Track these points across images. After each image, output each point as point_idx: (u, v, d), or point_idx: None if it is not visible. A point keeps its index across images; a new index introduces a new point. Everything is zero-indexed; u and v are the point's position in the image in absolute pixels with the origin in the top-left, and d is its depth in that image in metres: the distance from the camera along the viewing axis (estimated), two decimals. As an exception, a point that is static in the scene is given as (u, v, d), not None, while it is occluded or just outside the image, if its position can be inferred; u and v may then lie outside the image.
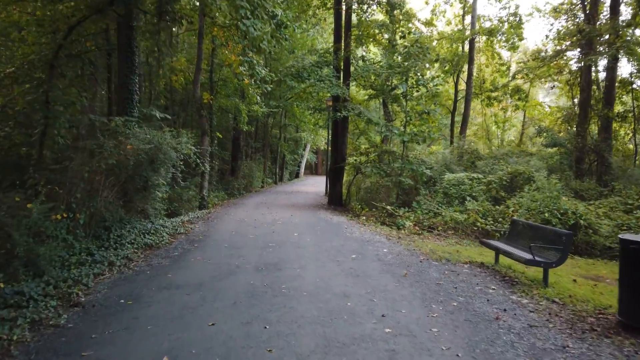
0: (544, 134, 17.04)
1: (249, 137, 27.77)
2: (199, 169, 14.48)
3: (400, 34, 15.20)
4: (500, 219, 11.13)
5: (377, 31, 15.36)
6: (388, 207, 12.80)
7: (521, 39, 23.59)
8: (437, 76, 14.16)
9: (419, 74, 12.75)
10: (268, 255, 7.36)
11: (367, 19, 15.82)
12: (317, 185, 31.13)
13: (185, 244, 8.26)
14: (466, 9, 26.26)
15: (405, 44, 13.31)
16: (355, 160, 16.43)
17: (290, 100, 26.15)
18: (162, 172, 9.82)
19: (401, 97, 13.62)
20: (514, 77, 22.82)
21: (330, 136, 17.26)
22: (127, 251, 7.28)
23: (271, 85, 14.14)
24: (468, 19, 25.84)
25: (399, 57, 13.22)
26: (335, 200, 16.31)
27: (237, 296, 5.09)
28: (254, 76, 13.01)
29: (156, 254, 7.37)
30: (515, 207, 11.34)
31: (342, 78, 15.35)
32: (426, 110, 12.87)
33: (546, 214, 9.99)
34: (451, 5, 27.09)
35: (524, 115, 30.41)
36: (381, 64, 13.61)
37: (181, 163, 11.41)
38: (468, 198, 12.37)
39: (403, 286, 5.68)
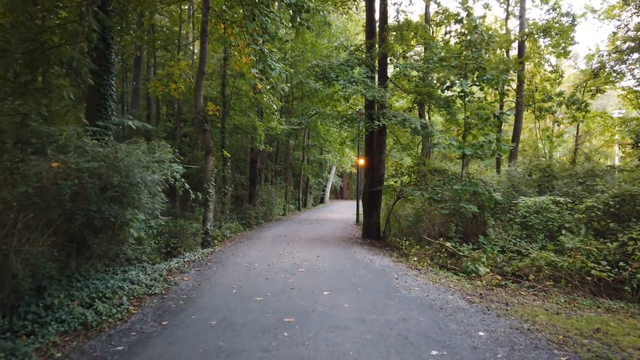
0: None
1: (268, 160, 25.00)
2: (202, 196, 11.64)
3: (453, 20, 12.16)
4: (619, 263, 7.61)
5: (418, 26, 12.32)
6: (448, 244, 9.47)
7: (570, 44, 20.25)
8: (506, 69, 10.87)
9: (482, 66, 9.58)
10: (280, 351, 4.19)
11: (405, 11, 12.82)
12: (344, 211, 27.88)
13: (150, 319, 5.16)
14: (510, 9, 23.19)
15: (462, 31, 10.24)
16: (395, 182, 13.22)
17: (313, 117, 23.38)
18: (135, 202, 6.89)
19: (457, 100, 10.46)
20: (582, 87, 19.21)
21: (363, 152, 14.08)
22: (42, 342, 4.28)
23: (288, 84, 11.23)
24: (510, 23, 22.71)
25: (454, 48, 10.12)
26: (372, 232, 13.05)
27: None
28: (266, 73, 10.18)
29: (85, 349, 4.29)
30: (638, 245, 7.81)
31: (376, 80, 12.38)
32: (496, 114, 9.65)
33: None
34: (489, 9, 24.10)
35: (578, 128, 26.60)
36: (432, 58, 10.57)
37: (178, 187, 8.54)
38: (563, 231, 8.91)
39: None
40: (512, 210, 10.47)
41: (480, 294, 6.72)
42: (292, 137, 26.21)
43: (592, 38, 61.35)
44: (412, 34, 12.10)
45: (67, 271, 6.12)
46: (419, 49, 14.67)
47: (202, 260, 9.42)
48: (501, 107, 22.60)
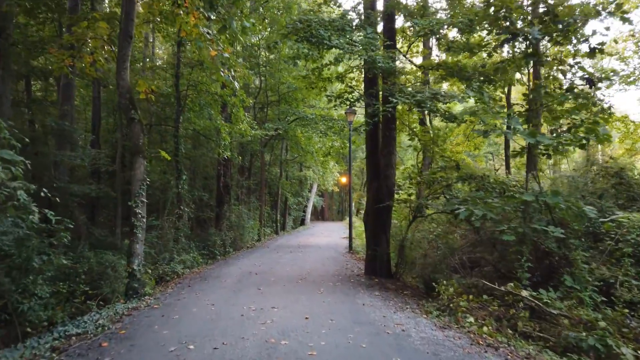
0: None
1: (239, 175, 20.89)
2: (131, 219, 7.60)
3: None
4: None
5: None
6: (524, 293, 5.64)
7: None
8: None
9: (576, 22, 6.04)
10: None
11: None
12: (329, 234, 23.88)
13: None
14: None
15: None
16: (410, 194, 9.44)
17: (292, 124, 19.57)
18: None
19: (513, 65, 6.85)
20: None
21: (365, 154, 10.19)
22: None
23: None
24: None
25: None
26: (380, 267, 9.14)
27: None
28: (227, 31, 6.38)
29: None
30: None
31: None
32: (587, 77, 6.05)
33: None
34: None
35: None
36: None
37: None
38: None
39: None
40: (605, 234, 6.78)
41: None
42: (267, 149, 22.31)
43: None
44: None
45: None
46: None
47: (97, 334, 5.26)
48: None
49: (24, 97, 14.41)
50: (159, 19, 11.32)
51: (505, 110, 6.64)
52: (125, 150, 12.42)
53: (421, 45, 14.08)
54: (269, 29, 18.15)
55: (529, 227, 6.31)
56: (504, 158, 25.90)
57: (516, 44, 6.61)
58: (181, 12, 7.99)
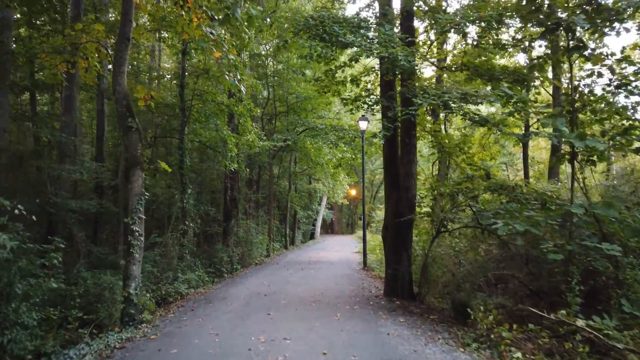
0: None
1: (247, 188, 20.20)
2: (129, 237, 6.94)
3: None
4: None
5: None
6: (580, 323, 4.78)
7: None
8: None
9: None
10: None
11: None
12: (340, 249, 23.04)
13: None
14: None
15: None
16: (431, 208, 8.63)
17: (301, 135, 18.93)
18: None
19: (549, 63, 6.10)
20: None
21: (383, 163, 9.40)
22: None
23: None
24: None
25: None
26: (402, 288, 8.30)
27: None
28: (229, 22, 5.76)
29: None
30: None
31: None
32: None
33: None
34: None
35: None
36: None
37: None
38: None
39: None
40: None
41: None
42: (276, 161, 21.68)
43: None
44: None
45: None
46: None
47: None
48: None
49: (29, 110, 13.98)
50: (161, 25, 10.78)
51: (551, 110, 5.84)
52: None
53: (435, 50, 13.47)
54: (277, 39, 17.72)
55: (577, 244, 5.48)
56: (517, 169, 24.92)
57: (552, 37, 5.86)
58: (183, 12, 7.44)
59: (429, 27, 8.11)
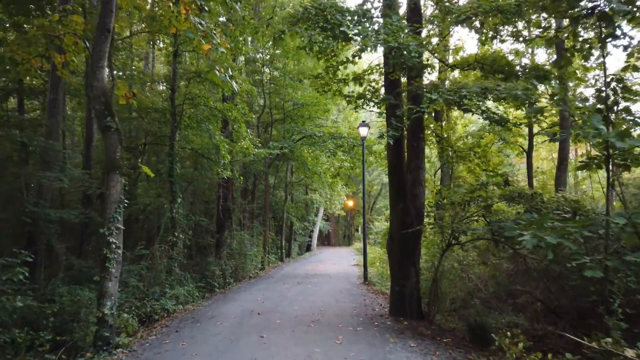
0: None
1: (242, 198, 19.42)
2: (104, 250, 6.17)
3: None
4: None
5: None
6: (630, 353, 4.05)
7: None
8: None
9: None
10: None
11: None
12: (338, 261, 22.22)
13: None
14: None
15: None
16: (437, 217, 7.91)
17: (298, 143, 18.26)
18: None
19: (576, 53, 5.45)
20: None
21: (387, 170, 8.61)
22: None
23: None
24: None
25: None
26: (410, 306, 7.52)
27: None
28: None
29: None
30: None
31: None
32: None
33: None
34: None
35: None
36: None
37: None
38: None
39: None
40: None
41: None
42: (272, 170, 20.96)
43: None
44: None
45: None
46: None
47: None
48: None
49: (14, 116, 13.27)
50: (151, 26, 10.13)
51: (589, 103, 5.20)
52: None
53: (443, 47, 12.91)
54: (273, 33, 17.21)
55: (618, 260, 4.78)
56: (518, 180, 24.24)
57: (578, 28, 5.23)
58: (170, 4, 6.79)
59: (437, 20, 7.46)
